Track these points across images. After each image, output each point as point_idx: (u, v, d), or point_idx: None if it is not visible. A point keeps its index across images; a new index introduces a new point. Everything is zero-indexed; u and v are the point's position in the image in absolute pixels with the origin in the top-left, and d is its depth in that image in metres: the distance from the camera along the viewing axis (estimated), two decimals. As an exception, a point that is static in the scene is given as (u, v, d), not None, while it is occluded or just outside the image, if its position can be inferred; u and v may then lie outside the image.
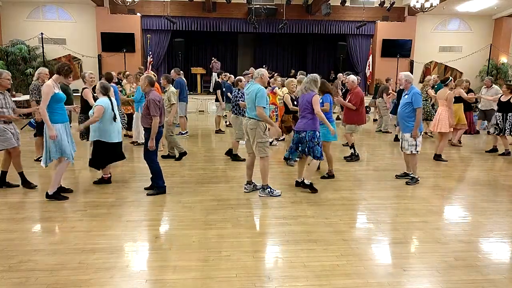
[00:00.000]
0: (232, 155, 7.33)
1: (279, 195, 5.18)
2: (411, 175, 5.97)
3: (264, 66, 17.25)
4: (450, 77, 7.68)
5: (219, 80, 10.90)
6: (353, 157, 7.23)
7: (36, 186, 5.43)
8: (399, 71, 15.97)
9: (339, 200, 5.07)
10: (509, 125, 7.79)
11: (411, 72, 16.31)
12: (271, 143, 7.96)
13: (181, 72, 11.16)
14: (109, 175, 5.71)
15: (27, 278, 3.08)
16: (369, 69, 16.64)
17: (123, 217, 4.40)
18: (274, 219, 4.42)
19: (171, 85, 7.29)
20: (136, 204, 4.82)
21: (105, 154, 5.40)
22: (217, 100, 10.60)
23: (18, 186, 5.44)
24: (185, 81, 10.25)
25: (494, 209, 4.85)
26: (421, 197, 5.30)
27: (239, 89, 7.30)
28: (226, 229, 4.11)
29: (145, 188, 5.35)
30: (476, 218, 4.54)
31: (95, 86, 5.97)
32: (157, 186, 5.23)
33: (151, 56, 15.50)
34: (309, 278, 3.14)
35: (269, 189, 5.20)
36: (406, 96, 5.75)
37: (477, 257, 3.56)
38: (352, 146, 7.27)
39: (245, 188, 5.40)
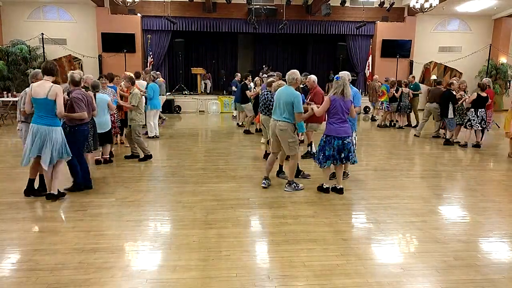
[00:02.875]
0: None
1: (303, 189, 5.44)
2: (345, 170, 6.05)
3: (264, 66, 17.30)
4: None
5: (246, 81, 10.70)
6: (308, 155, 7.29)
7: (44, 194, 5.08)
8: (399, 71, 16.02)
9: (339, 200, 5.08)
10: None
11: (411, 72, 16.35)
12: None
13: (158, 73, 11.25)
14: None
15: (27, 278, 3.09)
16: (368, 69, 16.64)
17: (123, 217, 4.40)
18: (274, 218, 4.43)
19: (134, 87, 7.25)
20: (136, 204, 4.83)
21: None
22: (244, 102, 10.34)
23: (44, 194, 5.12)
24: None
25: (494, 209, 4.86)
26: (421, 197, 5.31)
27: (270, 91, 7.17)
28: (226, 228, 4.11)
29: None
30: (476, 218, 4.55)
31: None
32: (74, 182, 5.28)
33: (151, 56, 15.50)
34: (309, 278, 3.15)
35: (294, 184, 5.44)
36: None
37: (477, 256, 3.57)
38: (310, 144, 7.38)
39: (263, 183, 5.56)
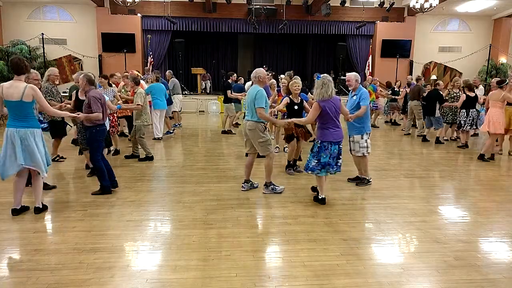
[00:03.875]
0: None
1: (282, 192, 5.28)
2: (363, 176, 5.83)
3: (264, 66, 17.30)
4: (507, 80, 7.68)
5: (229, 81, 10.59)
6: None
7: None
8: (399, 71, 16.03)
9: (339, 200, 5.08)
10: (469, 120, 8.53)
11: (411, 72, 16.35)
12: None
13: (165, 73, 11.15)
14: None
15: (27, 278, 3.09)
16: (368, 69, 16.65)
17: (123, 217, 4.40)
18: (274, 218, 4.43)
19: (139, 87, 7.26)
20: (136, 204, 4.83)
21: None
22: (226, 101, 10.19)
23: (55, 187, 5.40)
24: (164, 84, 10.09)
25: (494, 209, 4.86)
26: (421, 197, 5.31)
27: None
28: (226, 228, 4.12)
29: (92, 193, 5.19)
30: (476, 218, 4.55)
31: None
32: (101, 186, 5.18)
33: (151, 56, 15.51)
34: (309, 278, 3.15)
35: (272, 186, 5.28)
36: (355, 97, 5.55)
37: (477, 256, 3.56)
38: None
39: (242, 186, 5.44)
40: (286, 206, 4.83)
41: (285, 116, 6.49)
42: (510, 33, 16.94)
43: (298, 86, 6.03)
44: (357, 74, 5.80)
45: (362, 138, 5.63)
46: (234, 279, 3.11)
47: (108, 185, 5.19)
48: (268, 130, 7.28)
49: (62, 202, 4.88)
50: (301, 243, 3.78)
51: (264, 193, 5.25)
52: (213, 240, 3.83)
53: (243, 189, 5.40)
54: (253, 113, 5.07)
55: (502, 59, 16.88)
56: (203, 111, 15.32)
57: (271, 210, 4.68)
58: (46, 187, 5.16)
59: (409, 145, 9.22)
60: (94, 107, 4.96)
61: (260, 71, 5.22)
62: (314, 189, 5.23)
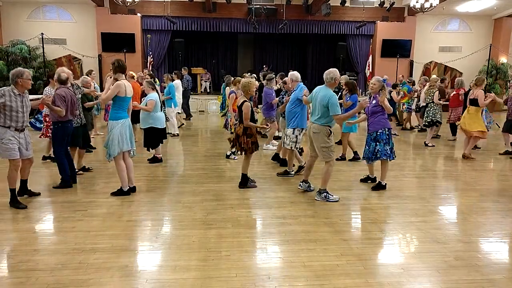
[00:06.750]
0: (280, 160, 6.82)
1: (337, 201, 4.99)
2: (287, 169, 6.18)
3: (264, 66, 17.30)
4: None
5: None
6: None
7: (26, 207, 4.64)
8: (399, 71, 16.00)
9: (339, 200, 5.07)
10: None
11: (411, 72, 16.35)
12: (229, 155, 7.37)
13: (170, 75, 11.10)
14: (161, 155, 7.00)
15: (27, 278, 3.08)
16: (369, 69, 16.64)
17: (123, 217, 4.40)
18: (274, 219, 4.42)
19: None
20: (136, 204, 4.83)
21: (157, 137, 6.82)
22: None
23: (39, 194, 5.08)
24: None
25: (494, 209, 4.86)
26: (421, 197, 5.31)
27: (286, 91, 6.91)
28: (226, 229, 4.11)
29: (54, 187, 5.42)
30: (476, 218, 4.55)
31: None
32: (62, 179, 5.43)
33: (151, 56, 15.51)
34: (309, 278, 3.14)
35: (325, 193, 5.01)
36: (293, 94, 6.02)
37: (477, 257, 3.56)
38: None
39: (300, 185, 5.39)
40: (286, 206, 4.83)
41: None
42: (510, 33, 16.93)
43: (256, 87, 5.69)
44: (294, 73, 6.22)
45: (293, 133, 5.86)
46: (234, 279, 3.11)
47: (68, 179, 5.43)
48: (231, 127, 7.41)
49: (62, 202, 4.87)
50: (301, 243, 3.78)
51: (316, 200, 5.01)
52: (212, 240, 3.82)
53: (300, 188, 5.35)
54: (321, 116, 4.87)
55: (503, 59, 16.87)
56: (203, 111, 15.30)
57: (271, 211, 4.68)
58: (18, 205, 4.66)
59: (409, 145, 9.21)
60: (56, 102, 5.21)
61: (336, 73, 4.92)
62: (377, 187, 5.53)
